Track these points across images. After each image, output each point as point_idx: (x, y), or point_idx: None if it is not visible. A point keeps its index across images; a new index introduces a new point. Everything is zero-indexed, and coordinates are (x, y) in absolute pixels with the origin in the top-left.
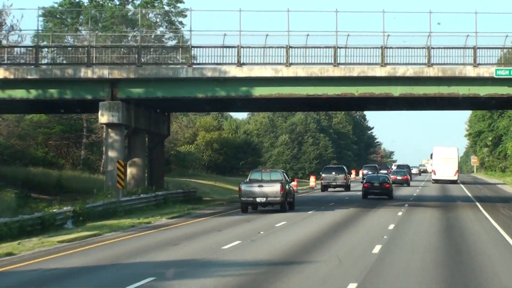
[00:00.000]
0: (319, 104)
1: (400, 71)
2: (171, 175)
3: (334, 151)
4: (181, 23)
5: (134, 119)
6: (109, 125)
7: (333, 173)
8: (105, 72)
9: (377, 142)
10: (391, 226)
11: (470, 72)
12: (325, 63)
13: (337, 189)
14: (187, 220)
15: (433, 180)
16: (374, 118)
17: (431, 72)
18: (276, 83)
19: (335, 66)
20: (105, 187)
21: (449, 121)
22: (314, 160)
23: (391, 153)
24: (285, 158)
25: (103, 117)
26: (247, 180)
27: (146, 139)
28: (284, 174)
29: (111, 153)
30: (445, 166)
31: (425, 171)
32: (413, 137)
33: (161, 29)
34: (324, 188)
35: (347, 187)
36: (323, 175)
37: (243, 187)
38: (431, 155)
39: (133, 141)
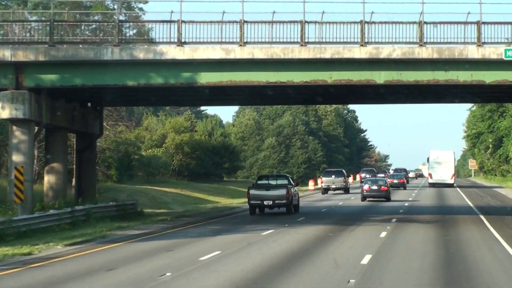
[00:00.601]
0: (283, 95)
1: (385, 52)
2: (133, 182)
3: (324, 154)
4: (141, 9)
5: (49, 114)
6: (12, 121)
7: (333, 176)
8: (6, 54)
9: (371, 145)
10: (366, 259)
11: (473, 53)
12: (290, 42)
13: (336, 191)
14: (93, 247)
15: (429, 183)
16: (368, 121)
17: (424, 53)
18: (228, 67)
19: (302, 45)
20: (8, 201)
21: (446, 124)
22: (302, 164)
23: (386, 156)
24: (271, 162)
25: (4, 111)
26: (255, 183)
27: (74, 140)
28: (290, 178)
29: (16, 157)
30: (441, 170)
31: (421, 175)
32: (409, 140)
33: None
34: (325, 191)
35: (346, 190)
36: (323, 178)
37: (252, 191)
38: (428, 158)
39: (51, 143)
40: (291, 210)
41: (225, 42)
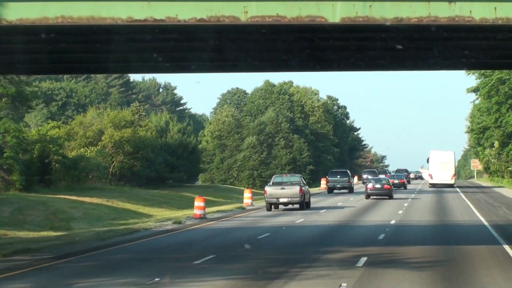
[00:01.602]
0: (160, 49)
1: None
2: (50, 190)
3: (310, 154)
4: None
5: None
6: None
7: (338, 176)
8: None
9: (365, 144)
10: None
11: None
12: None
13: (342, 190)
14: None
15: (430, 184)
16: (362, 118)
17: None
18: None
19: None
20: None
21: (446, 124)
22: (286, 165)
23: (383, 157)
24: (252, 164)
25: None
26: (271, 183)
27: None
28: (302, 178)
29: None
30: (442, 170)
31: (420, 177)
32: (407, 140)
33: None
34: (330, 190)
35: (350, 189)
36: (329, 178)
37: (268, 189)
38: (428, 159)
39: None
40: (304, 207)
41: None
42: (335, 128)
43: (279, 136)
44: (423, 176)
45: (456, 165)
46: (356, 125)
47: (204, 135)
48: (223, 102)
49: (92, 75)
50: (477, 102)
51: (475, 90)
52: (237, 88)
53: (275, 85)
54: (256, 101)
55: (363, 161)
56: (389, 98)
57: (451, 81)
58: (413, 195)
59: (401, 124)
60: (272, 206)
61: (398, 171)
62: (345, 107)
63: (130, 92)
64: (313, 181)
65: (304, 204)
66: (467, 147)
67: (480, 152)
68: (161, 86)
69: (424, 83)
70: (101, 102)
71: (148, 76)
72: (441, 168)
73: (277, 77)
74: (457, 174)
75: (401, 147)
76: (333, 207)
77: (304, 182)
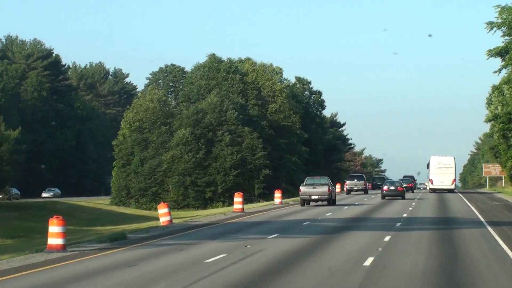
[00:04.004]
0: None
1: None
2: None
3: (267, 155)
4: None
5: None
6: None
7: (355, 180)
8: None
9: (351, 144)
10: None
11: None
12: None
13: (358, 192)
14: None
15: (430, 189)
16: (348, 111)
17: None
18: None
19: None
20: None
21: (445, 129)
22: (232, 169)
23: (380, 161)
24: (183, 167)
25: None
26: (304, 184)
27: None
28: (329, 179)
29: None
30: (442, 175)
31: (422, 184)
32: (407, 144)
33: None
34: (348, 191)
35: (365, 191)
36: (347, 182)
37: (303, 188)
38: (428, 164)
39: None
40: (331, 203)
41: None
42: (305, 120)
43: (223, 128)
44: (424, 184)
45: (455, 170)
46: (340, 119)
47: (121, 128)
48: (154, 83)
49: (7, 53)
50: (504, 73)
51: (501, 52)
52: (173, 65)
53: (223, 61)
54: (196, 82)
55: (350, 164)
56: (385, 97)
57: (452, 82)
58: (419, 196)
59: (400, 125)
60: (305, 202)
61: (405, 176)
62: (319, 93)
63: (60, 77)
64: (270, 191)
65: (331, 201)
66: (475, 150)
67: (502, 152)
68: (109, 73)
69: (426, 83)
70: (15, 87)
71: (95, 61)
72: (441, 173)
73: (228, 51)
74: (463, 181)
75: (399, 151)
76: (354, 204)
77: (331, 183)
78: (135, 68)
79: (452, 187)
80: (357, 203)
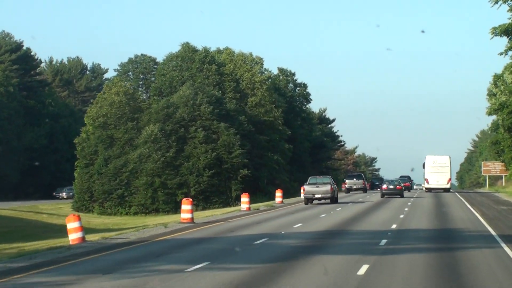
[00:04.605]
0: None
1: None
2: None
3: (246, 153)
4: None
5: None
6: None
7: (354, 179)
8: None
9: (341, 141)
10: None
11: None
12: None
13: (357, 191)
14: None
15: (426, 188)
16: (341, 109)
17: None
18: None
19: None
20: None
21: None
22: (206, 169)
23: (373, 160)
24: (151, 167)
25: None
26: (308, 183)
27: None
28: (331, 178)
29: None
30: (438, 175)
31: (419, 185)
32: (401, 142)
33: None
34: (348, 190)
35: (364, 190)
36: (346, 181)
37: (307, 187)
38: (424, 164)
39: None
40: (334, 201)
41: None
42: (289, 116)
43: (196, 124)
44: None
45: (451, 170)
46: (329, 115)
47: (85, 124)
48: (123, 75)
49: None
50: (510, 55)
51: (508, 30)
52: (143, 55)
53: (197, 51)
54: (168, 73)
55: (342, 163)
56: (378, 94)
57: (446, 78)
58: (416, 194)
59: (394, 122)
60: (309, 201)
61: (402, 177)
62: (304, 86)
63: (32, 72)
64: (250, 193)
65: (334, 199)
66: (472, 148)
67: (507, 149)
68: (87, 68)
69: (419, 80)
70: None
71: (73, 56)
72: (437, 173)
73: (205, 40)
74: (460, 180)
75: (393, 149)
76: (356, 202)
77: (333, 182)
78: (114, 63)
79: (448, 186)
80: (359, 199)
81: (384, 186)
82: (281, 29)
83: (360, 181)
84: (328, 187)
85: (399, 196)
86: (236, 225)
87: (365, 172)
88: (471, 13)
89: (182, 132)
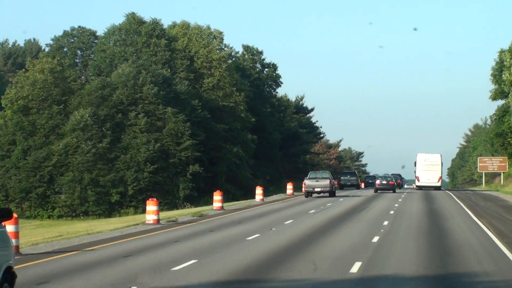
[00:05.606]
0: None
1: None
2: None
3: (199, 145)
4: None
5: None
6: None
7: (348, 176)
8: None
9: (320, 133)
10: None
11: None
12: None
13: (351, 188)
14: None
15: (416, 186)
16: (330, 104)
17: None
18: None
19: None
20: None
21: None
22: (148, 163)
23: (360, 154)
24: (79, 160)
25: None
26: (308, 177)
27: None
28: (330, 173)
29: None
30: (428, 173)
31: (410, 185)
32: (390, 138)
33: None
34: (342, 186)
35: (357, 186)
36: (341, 178)
37: (307, 181)
38: (415, 162)
39: None
40: (332, 195)
41: None
42: (256, 102)
43: (137, 109)
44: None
45: (442, 168)
46: (307, 104)
47: (2, 108)
48: (56, 52)
49: None
50: None
51: None
52: (81, 27)
53: (145, 22)
54: (109, 49)
55: (323, 158)
56: (368, 90)
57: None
58: (407, 190)
59: (384, 118)
60: (309, 194)
61: (393, 174)
62: (274, 66)
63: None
64: (204, 192)
65: (332, 193)
66: (464, 143)
67: None
68: (44, 50)
69: (411, 77)
70: None
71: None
72: (427, 171)
73: (156, 13)
74: (451, 177)
75: (382, 145)
76: (352, 196)
77: (332, 176)
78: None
79: (439, 184)
80: (357, 193)
81: (378, 182)
82: (269, 19)
83: (354, 178)
84: (327, 182)
85: (391, 192)
86: (145, 245)
87: (350, 167)
88: (463, 12)
89: (120, 118)
